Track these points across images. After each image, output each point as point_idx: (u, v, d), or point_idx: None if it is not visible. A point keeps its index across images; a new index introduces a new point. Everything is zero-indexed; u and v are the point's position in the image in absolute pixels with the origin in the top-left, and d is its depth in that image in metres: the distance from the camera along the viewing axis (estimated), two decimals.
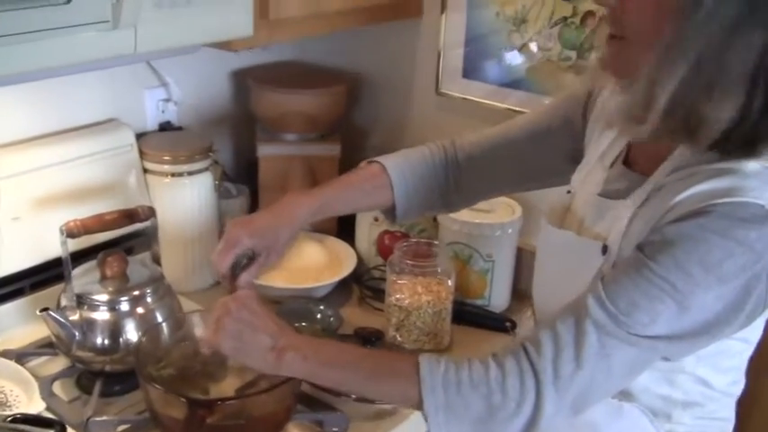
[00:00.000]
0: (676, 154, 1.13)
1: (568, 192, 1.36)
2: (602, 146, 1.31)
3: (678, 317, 1.05)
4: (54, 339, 1.52)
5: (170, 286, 1.60)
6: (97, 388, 1.49)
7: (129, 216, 1.55)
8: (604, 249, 1.17)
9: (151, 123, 1.94)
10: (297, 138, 2.03)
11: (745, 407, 1.34)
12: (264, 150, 2.00)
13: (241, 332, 1.19)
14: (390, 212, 1.53)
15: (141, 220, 1.57)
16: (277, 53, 2.14)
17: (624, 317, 1.06)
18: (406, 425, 1.48)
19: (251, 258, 1.40)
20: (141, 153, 1.81)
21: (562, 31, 1.78)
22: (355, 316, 1.81)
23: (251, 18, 1.48)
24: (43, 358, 1.59)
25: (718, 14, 0.99)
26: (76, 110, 1.78)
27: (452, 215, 1.81)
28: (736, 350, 1.20)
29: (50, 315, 1.46)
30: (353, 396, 1.48)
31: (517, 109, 1.82)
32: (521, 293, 1.86)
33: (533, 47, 1.83)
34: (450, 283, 1.70)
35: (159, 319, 1.53)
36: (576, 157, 1.41)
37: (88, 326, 1.49)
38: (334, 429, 1.43)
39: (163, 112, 1.95)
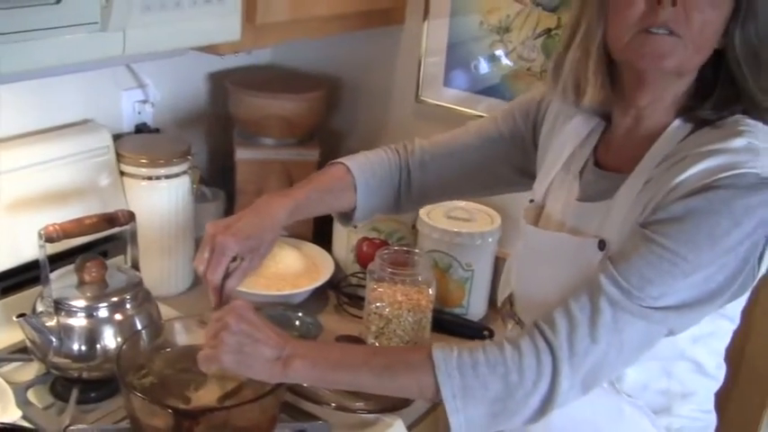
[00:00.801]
0: (656, 147, 1.19)
1: (531, 200, 1.41)
2: (563, 156, 1.35)
3: (688, 289, 1.11)
4: (29, 345, 1.49)
5: (149, 292, 1.57)
6: (74, 395, 1.46)
7: (108, 220, 1.52)
8: (601, 245, 1.21)
9: (127, 125, 1.91)
10: (275, 142, 2.02)
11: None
12: (242, 154, 1.98)
13: (242, 345, 1.17)
14: (348, 214, 1.55)
15: (121, 225, 1.55)
16: (255, 56, 2.12)
17: (637, 291, 1.11)
18: None
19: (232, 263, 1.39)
20: (118, 155, 1.78)
21: (546, 42, 1.79)
22: (333, 323, 1.80)
23: (239, 22, 1.46)
24: (16, 364, 1.55)
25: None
26: (52, 110, 1.74)
27: (432, 223, 1.81)
28: (725, 330, 1.27)
29: (27, 321, 1.42)
30: (333, 405, 1.48)
31: None
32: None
33: (513, 57, 1.84)
34: (430, 291, 1.69)
35: (138, 325, 1.50)
36: (524, 169, 1.48)
37: (65, 332, 1.46)
38: None
39: (139, 113, 1.92)
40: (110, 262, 1.58)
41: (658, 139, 1.20)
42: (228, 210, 2.02)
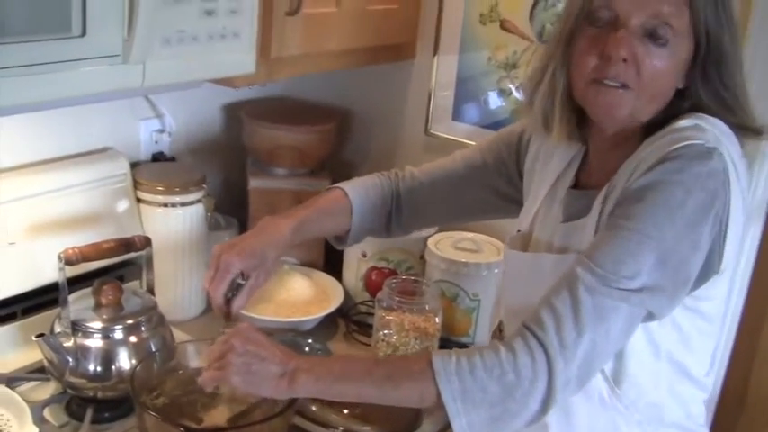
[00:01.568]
0: (626, 163, 1.25)
1: (518, 231, 1.46)
2: (547, 185, 1.42)
3: (659, 267, 1.15)
4: (47, 365, 1.53)
5: (163, 316, 1.61)
6: (89, 415, 1.50)
7: (125, 245, 1.57)
8: None
9: (144, 153, 1.96)
10: (287, 172, 2.07)
11: None
12: (255, 183, 2.03)
13: (249, 364, 1.22)
14: (342, 237, 1.61)
15: (138, 250, 1.59)
16: (269, 88, 2.18)
17: (612, 275, 1.15)
18: None
19: (239, 284, 1.44)
20: (135, 183, 1.83)
21: None
22: (341, 350, 1.83)
23: (254, 56, 1.51)
24: (33, 383, 1.59)
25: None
26: (73, 138, 1.80)
27: (440, 253, 1.85)
28: (702, 330, 1.30)
29: (46, 341, 1.47)
30: (341, 429, 1.51)
31: None
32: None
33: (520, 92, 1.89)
34: (437, 320, 1.73)
35: (152, 348, 1.54)
36: (508, 197, 1.55)
37: (82, 352, 1.50)
38: None
39: (156, 142, 1.98)
40: (126, 286, 1.63)
41: (629, 159, 1.25)
42: None
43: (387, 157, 2.16)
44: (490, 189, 1.58)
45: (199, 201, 1.85)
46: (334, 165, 2.15)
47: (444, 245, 1.89)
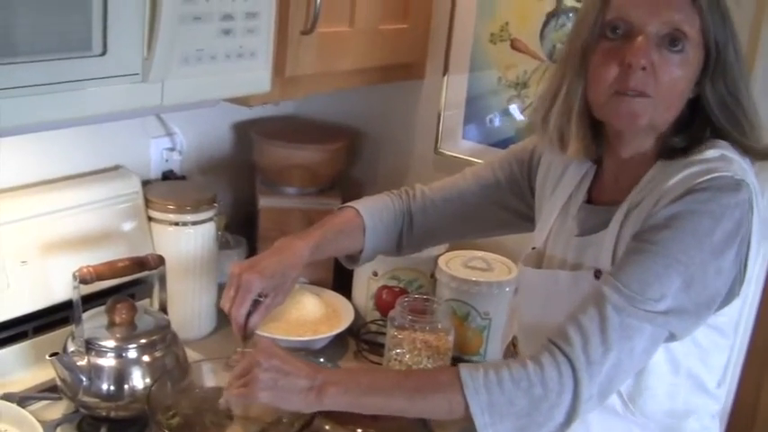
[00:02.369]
0: (647, 175, 1.29)
1: (533, 248, 1.49)
2: (560, 202, 1.44)
3: (684, 290, 1.19)
4: (60, 384, 1.52)
5: (176, 335, 1.61)
6: None
7: (139, 264, 1.57)
8: (597, 274, 1.29)
9: (155, 172, 1.97)
10: (297, 191, 2.07)
11: None
12: (265, 202, 2.04)
13: (276, 380, 1.23)
14: (354, 256, 1.63)
15: (151, 269, 1.59)
16: (280, 108, 2.18)
17: (639, 296, 1.19)
18: None
19: (257, 301, 1.44)
20: (146, 201, 1.83)
21: None
22: None
23: (269, 75, 1.52)
24: (45, 402, 1.58)
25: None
26: (84, 156, 1.80)
27: (451, 272, 1.85)
28: (719, 344, 1.34)
29: (60, 360, 1.46)
30: None
31: None
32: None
33: (530, 111, 1.90)
34: (449, 338, 1.73)
35: (166, 367, 1.53)
36: (519, 213, 1.58)
37: (95, 372, 1.49)
38: None
39: (167, 161, 1.98)
40: (138, 304, 1.62)
41: (644, 176, 1.30)
42: (250, 257, 2.06)
43: (396, 176, 2.16)
44: (502, 206, 1.60)
45: (210, 219, 1.85)
46: (344, 184, 2.15)
47: (455, 264, 1.89)
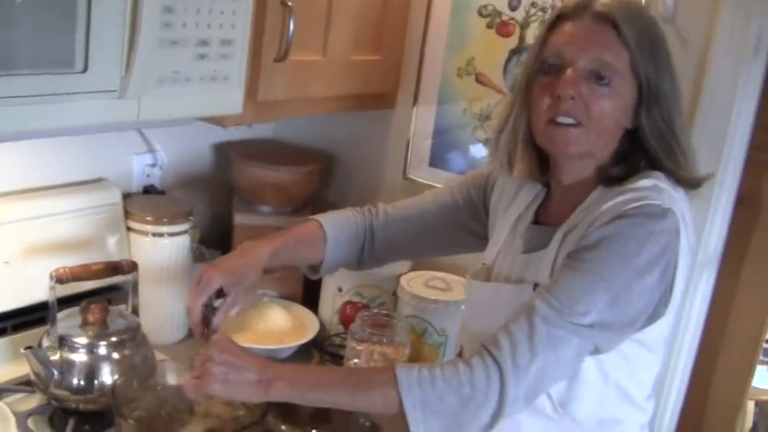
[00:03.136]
0: (591, 196, 1.39)
1: (483, 264, 1.58)
2: (510, 221, 1.54)
3: (610, 307, 1.28)
4: (33, 377, 1.62)
5: (146, 336, 1.71)
6: (70, 426, 1.59)
7: (113, 268, 1.68)
8: (535, 287, 1.38)
9: (136, 185, 2.08)
10: (271, 210, 2.18)
11: None
12: (241, 219, 2.15)
13: (227, 373, 1.32)
14: (314, 267, 1.72)
15: (125, 273, 1.70)
16: (259, 131, 2.31)
17: (567, 308, 1.27)
18: None
19: (215, 308, 1.54)
20: (126, 212, 1.94)
21: None
22: None
23: (241, 98, 1.64)
24: (20, 395, 1.68)
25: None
26: (70, 168, 1.92)
27: (411, 290, 1.96)
28: (647, 360, 1.43)
29: (34, 353, 1.57)
30: None
31: None
32: None
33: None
34: (406, 350, 1.83)
35: (134, 364, 1.64)
36: (475, 233, 1.68)
37: (67, 366, 1.60)
38: None
39: (148, 176, 2.09)
40: (112, 308, 1.72)
41: (584, 201, 1.40)
42: None
43: (367, 199, 2.23)
44: (459, 226, 1.70)
45: (185, 232, 1.96)
46: (317, 204, 2.25)
47: (416, 283, 2.00)
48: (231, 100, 1.62)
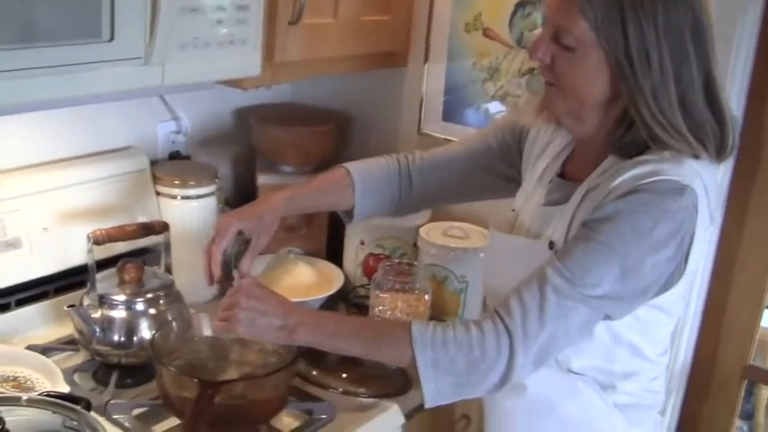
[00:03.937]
0: (605, 162, 1.40)
1: (513, 210, 1.61)
2: (539, 170, 1.57)
3: (621, 279, 1.30)
4: (76, 335, 1.72)
5: (180, 293, 1.80)
6: (113, 378, 1.69)
7: (146, 228, 1.77)
8: (551, 245, 1.42)
9: (162, 152, 2.17)
10: (292, 170, 2.26)
11: None
12: (264, 180, 2.23)
13: (253, 319, 1.41)
14: (349, 213, 1.76)
15: (156, 233, 1.79)
16: (276, 95, 2.38)
17: (578, 279, 1.30)
18: (387, 415, 1.69)
19: (240, 250, 1.62)
20: (154, 177, 2.03)
21: (529, 80, 2.03)
22: None
23: (259, 60, 1.71)
24: (65, 353, 1.78)
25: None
26: (99, 137, 2.01)
27: (431, 240, 2.04)
28: (661, 321, 1.45)
29: (76, 311, 1.66)
30: (340, 390, 1.72)
31: None
32: None
33: (501, 93, 2.09)
34: (427, 298, 1.91)
35: (170, 318, 1.73)
36: (509, 177, 1.69)
37: (107, 323, 1.69)
38: (322, 416, 1.63)
39: (173, 142, 2.18)
40: (146, 268, 1.81)
41: (602, 163, 1.41)
42: None
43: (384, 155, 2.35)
44: (493, 171, 1.72)
45: (212, 194, 2.04)
46: (336, 162, 2.27)
47: (435, 232, 2.08)
48: (250, 62, 1.70)
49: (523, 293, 1.33)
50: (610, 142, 1.39)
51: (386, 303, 1.90)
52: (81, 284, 1.88)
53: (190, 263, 1.99)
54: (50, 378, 1.63)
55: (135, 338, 1.71)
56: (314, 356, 1.67)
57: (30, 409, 1.36)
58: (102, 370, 1.74)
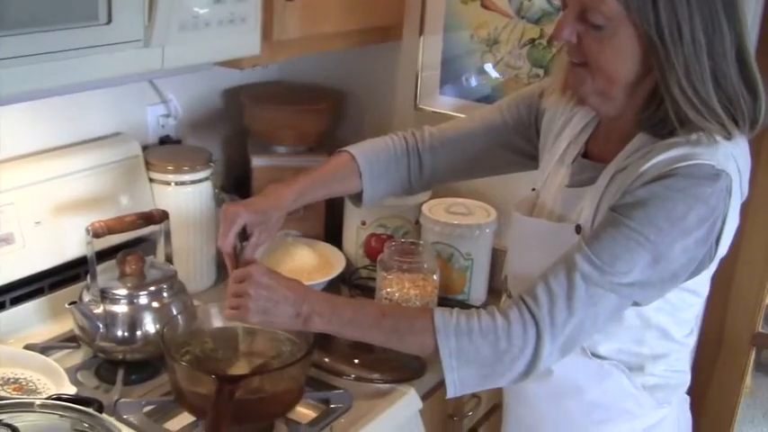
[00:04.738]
0: (634, 141, 1.34)
1: (533, 189, 1.57)
2: (560, 149, 1.51)
3: (651, 266, 1.26)
4: (78, 332, 1.66)
5: (183, 283, 1.74)
6: (120, 375, 1.62)
7: (145, 218, 1.70)
8: (578, 229, 1.37)
9: (152, 137, 2.08)
10: (287, 150, 2.19)
11: None
12: (258, 162, 2.16)
13: (265, 308, 1.36)
14: (358, 197, 1.70)
15: (156, 222, 1.72)
16: (267, 73, 2.31)
17: (608, 267, 1.26)
18: (404, 400, 1.65)
19: (242, 245, 1.54)
20: (147, 164, 1.95)
21: (530, 51, 1.98)
22: None
23: (258, 39, 1.64)
24: (64, 351, 1.71)
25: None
26: (86, 124, 1.92)
27: (434, 217, 1.99)
28: (690, 302, 1.42)
29: (78, 308, 1.60)
30: (353, 376, 1.67)
31: None
32: (497, 289, 2.02)
33: (501, 66, 2.03)
34: (435, 277, 1.87)
35: (174, 312, 1.67)
36: (525, 152, 1.65)
37: (110, 318, 1.63)
38: (339, 405, 1.58)
39: (163, 126, 2.10)
40: (146, 258, 1.75)
41: (629, 143, 1.35)
42: None
43: (379, 132, 2.24)
44: (508, 146, 1.66)
45: (207, 179, 1.97)
46: (332, 141, 2.26)
47: (438, 210, 2.03)
48: (249, 42, 1.63)
49: (551, 280, 1.29)
50: (638, 121, 1.34)
51: (393, 285, 1.85)
52: (76, 279, 1.82)
53: (186, 250, 1.95)
54: (54, 379, 1.57)
55: (139, 333, 1.65)
56: (322, 342, 1.62)
57: (40, 413, 1.31)
58: (104, 367, 1.68)
